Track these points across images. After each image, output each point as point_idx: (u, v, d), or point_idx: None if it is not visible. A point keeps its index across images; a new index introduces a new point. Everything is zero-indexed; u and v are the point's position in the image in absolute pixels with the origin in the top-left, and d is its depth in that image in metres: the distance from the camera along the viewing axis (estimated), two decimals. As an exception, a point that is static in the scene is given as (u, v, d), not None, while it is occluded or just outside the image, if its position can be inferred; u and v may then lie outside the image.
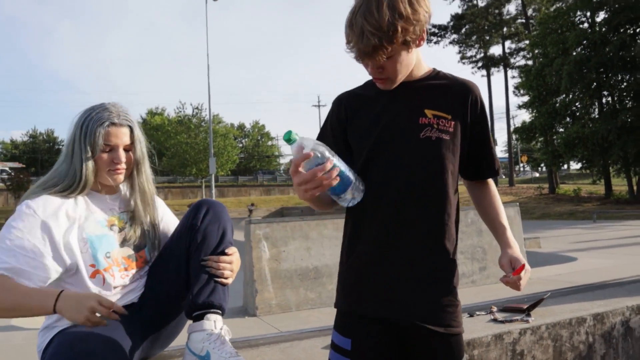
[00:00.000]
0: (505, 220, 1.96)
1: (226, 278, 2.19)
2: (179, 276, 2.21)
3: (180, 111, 50.99)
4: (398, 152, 1.78)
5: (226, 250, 2.21)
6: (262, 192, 54.99)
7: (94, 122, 2.12)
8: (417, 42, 1.72)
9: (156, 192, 2.41)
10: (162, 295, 2.23)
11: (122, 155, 2.17)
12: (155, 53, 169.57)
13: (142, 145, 2.25)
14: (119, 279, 2.16)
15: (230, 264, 2.21)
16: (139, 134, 2.24)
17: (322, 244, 4.86)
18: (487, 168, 1.97)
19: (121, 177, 2.20)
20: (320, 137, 1.92)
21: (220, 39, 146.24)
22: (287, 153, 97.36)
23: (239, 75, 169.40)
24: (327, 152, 1.55)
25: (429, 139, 1.78)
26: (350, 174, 1.64)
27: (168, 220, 2.48)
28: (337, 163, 1.57)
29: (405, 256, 1.77)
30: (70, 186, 2.12)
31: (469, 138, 1.87)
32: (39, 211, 2.01)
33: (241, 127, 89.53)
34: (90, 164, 2.12)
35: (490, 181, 2.03)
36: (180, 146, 45.56)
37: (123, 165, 2.18)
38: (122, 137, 2.16)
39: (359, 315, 1.79)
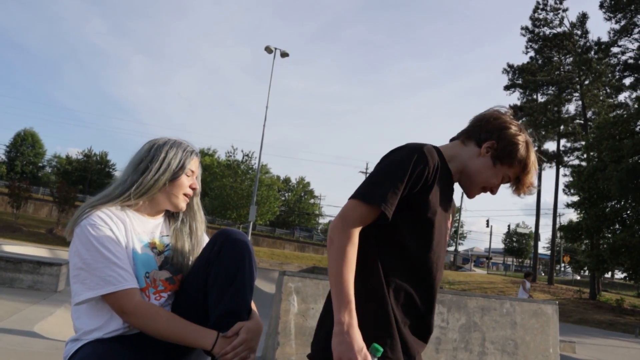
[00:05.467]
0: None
1: None
2: (196, 312, 2.11)
3: (231, 155, 51.87)
4: (441, 250, 1.94)
5: (233, 329, 2.01)
6: (297, 247, 54.90)
7: (182, 148, 2.25)
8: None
9: (206, 226, 2.44)
10: None
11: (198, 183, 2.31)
12: (216, 98, 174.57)
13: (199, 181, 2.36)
14: (153, 301, 2.12)
15: (244, 344, 2.01)
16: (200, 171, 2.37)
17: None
18: None
19: (185, 203, 2.29)
20: (399, 187, 1.81)
21: (279, 94, 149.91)
22: (327, 213, 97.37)
23: (292, 130, 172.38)
24: None
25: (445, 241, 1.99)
26: None
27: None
28: None
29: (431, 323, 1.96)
30: (126, 193, 2.15)
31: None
32: (109, 223, 2.06)
33: (286, 180, 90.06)
34: (164, 180, 2.19)
35: None
36: (224, 189, 46.14)
37: (196, 192, 2.31)
38: (198, 168, 2.32)
39: None
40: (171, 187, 2.21)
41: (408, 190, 1.82)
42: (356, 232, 1.80)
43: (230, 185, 46.32)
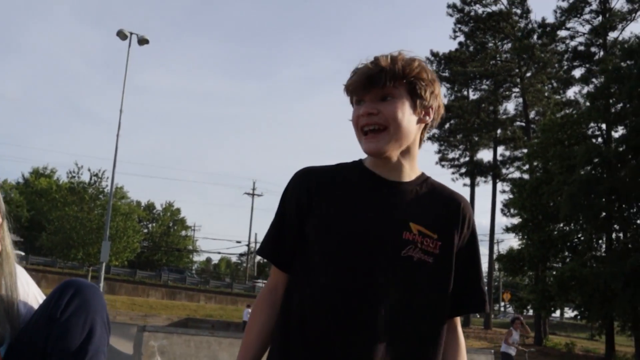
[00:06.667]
0: None
1: None
2: None
3: (75, 176, 50.75)
4: (372, 271, 1.88)
5: None
6: (165, 294, 54.23)
7: None
8: (423, 111, 1.99)
9: (17, 259, 2.30)
10: None
11: None
12: (53, 99, 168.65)
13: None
14: None
15: None
16: None
17: (235, 369, 4.68)
18: (470, 302, 2.05)
19: None
20: (277, 230, 2.05)
21: (138, 93, 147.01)
22: (204, 248, 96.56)
23: (156, 141, 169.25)
24: None
25: (409, 260, 1.90)
26: None
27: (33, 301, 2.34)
28: None
29: None
30: None
31: (455, 264, 1.97)
32: None
33: (150, 207, 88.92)
34: None
35: (459, 323, 2.08)
36: (67, 220, 45.10)
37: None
38: None
39: None
40: None
41: (297, 223, 2.00)
42: (270, 289, 2.07)
43: (75, 215, 45.39)
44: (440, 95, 2.04)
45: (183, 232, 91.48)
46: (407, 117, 1.92)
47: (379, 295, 1.86)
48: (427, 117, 2.00)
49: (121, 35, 31.57)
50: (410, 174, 2.02)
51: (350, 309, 1.85)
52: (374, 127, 1.91)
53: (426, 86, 1.95)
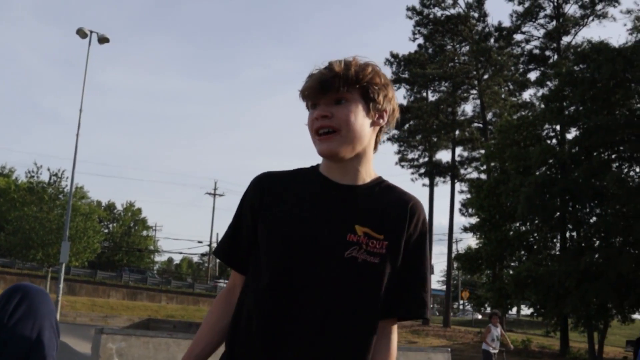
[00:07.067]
0: None
1: None
2: None
3: (34, 176, 49.97)
4: (313, 270, 1.92)
5: None
6: (126, 295, 53.66)
7: None
8: (377, 114, 2.04)
9: None
10: None
11: None
12: (11, 97, 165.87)
13: None
14: None
15: None
16: None
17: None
18: (407, 305, 2.03)
19: None
20: (233, 232, 2.12)
21: (99, 92, 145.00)
22: (165, 248, 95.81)
23: (117, 140, 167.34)
24: None
25: (353, 260, 1.92)
26: None
27: None
28: None
29: None
30: None
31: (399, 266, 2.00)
32: None
33: (110, 207, 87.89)
34: None
35: (394, 329, 2.07)
36: (26, 220, 44.33)
37: None
38: None
39: None
40: None
41: (252, 225, 2.06)
42: (228, 289, 2.15)
43: (34, 216, 44.60)
44: (395, 98, 2.08)
45: (144, 232, 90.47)
46: (360, 120, 1.96)
47: (316, 295, 1.89)
48: (381, 120, 2.05)
49: (81, 33, 31.33)
50: (364, 178, 2.05)
51: (285, 308, 1.89)
52: (327, 129, 1.95)
53: (379, 90, 1.99)
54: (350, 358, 1.90)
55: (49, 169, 52.82)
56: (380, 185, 2.07)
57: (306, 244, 1.93)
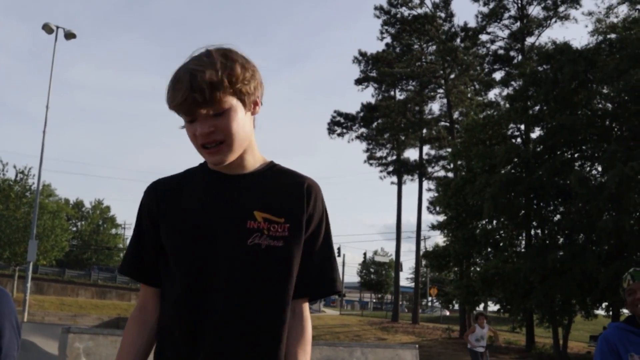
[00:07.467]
0: None
1: None
2: None
3: (-1, 174, 49.43)
4: (218, 262, 1.92)
5: None
6: (95, 293, 53.33)
7: None
8: (252, 104, 1.99)
9: None
10: None
11: None
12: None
13: None
14: None
15: None
16: None
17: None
18: (316, 285, 2.06)
19: None
20: (136, 244, 2.09)
21: (66, 88, 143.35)
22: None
23: (84, 137, 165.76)
24: None
25: (257, 247, 1.94)
26: None
27: None
28: None
29: None
30: None
31: (303, 246, 2.02)
32: None
33: (78, 205, 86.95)
34: None
35: (306, 308, 2.08)
36: (-8, 219, 43.80)
37: None
38: None
39: None
40: None
41: (154, 234, 2.05)
42: (139, 307, 2.11)
43: (0, 214, 44.13)
44: (259, 73, 2.00)
45: (113, 230, 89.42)
46: (242, 122, 1.92)
47: (227, 287, 1.90)
48: (257, 107, 2.01)
49: (47, 29, 31.11)
50: (253, 164, 2.05)
51: (201, 309, 1.90)
52: (214, 143, 1.89)
53: (250, 82, 1.92)
54: (267, 343, 1.91)
55: (15, 167, 52.37)
56: (272, 169, 2.09)
57: (208, 238, 1.94)
